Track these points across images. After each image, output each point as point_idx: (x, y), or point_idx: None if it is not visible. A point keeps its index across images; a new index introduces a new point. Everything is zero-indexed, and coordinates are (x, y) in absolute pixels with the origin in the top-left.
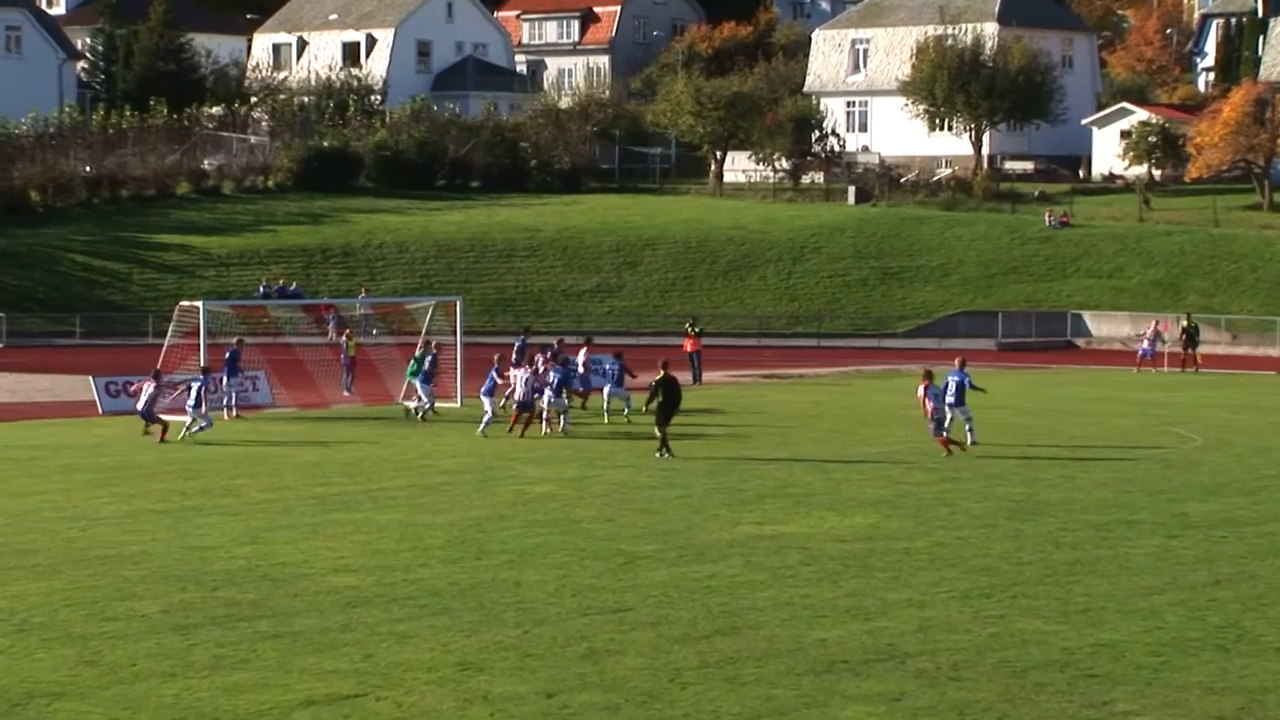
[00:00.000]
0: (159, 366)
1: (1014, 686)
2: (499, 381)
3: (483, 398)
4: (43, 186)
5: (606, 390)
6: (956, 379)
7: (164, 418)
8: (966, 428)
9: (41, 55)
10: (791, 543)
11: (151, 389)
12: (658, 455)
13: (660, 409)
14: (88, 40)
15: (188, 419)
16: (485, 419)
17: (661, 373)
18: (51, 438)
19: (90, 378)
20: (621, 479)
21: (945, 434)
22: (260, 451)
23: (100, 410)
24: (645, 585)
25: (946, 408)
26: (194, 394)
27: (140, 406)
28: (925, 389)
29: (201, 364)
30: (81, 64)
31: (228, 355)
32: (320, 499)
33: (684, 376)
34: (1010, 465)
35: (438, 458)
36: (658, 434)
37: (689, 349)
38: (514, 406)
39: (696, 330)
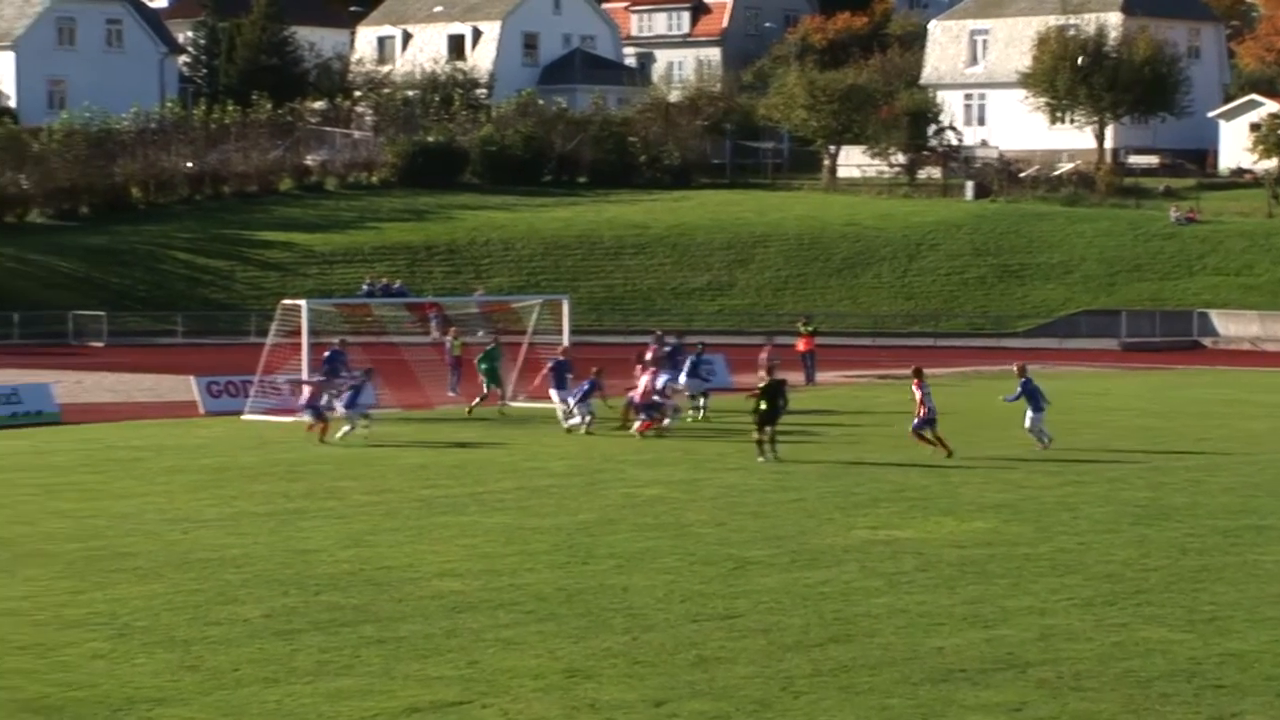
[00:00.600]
0: (315, 364)
1: (1138, 697)
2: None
3: (573, 403)
4: (144, 183)
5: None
6: (1023, 387)
7: (269, 418)
8: (1039, 435)
9: (143, 50)
10: (907, 548)
11: (316, 385)
12: (760, 459)
13: (762, 413)
14: (189, 34)
15: (345, 424)
16: (577, 420)
17: (767, 377)
18: (154, 439)
19: (192, 378)
20: (732, 482)
21: (928, 434)
22: (364, 453)
23: (202, 410)
24: (756, 591)
25: (1028, 417)
26: (348, 396)
27: (305, 401)
28: (918, 386)
29: (316, 363)
30: (183, 58)
31: (327, 355)
32: (425, 502)
33: (796, 377)
34: (1134, 469)
35: (545, 460)
36: (755, 437)
37: (802, 349)
38: (634, 409)
39: (810, 329)
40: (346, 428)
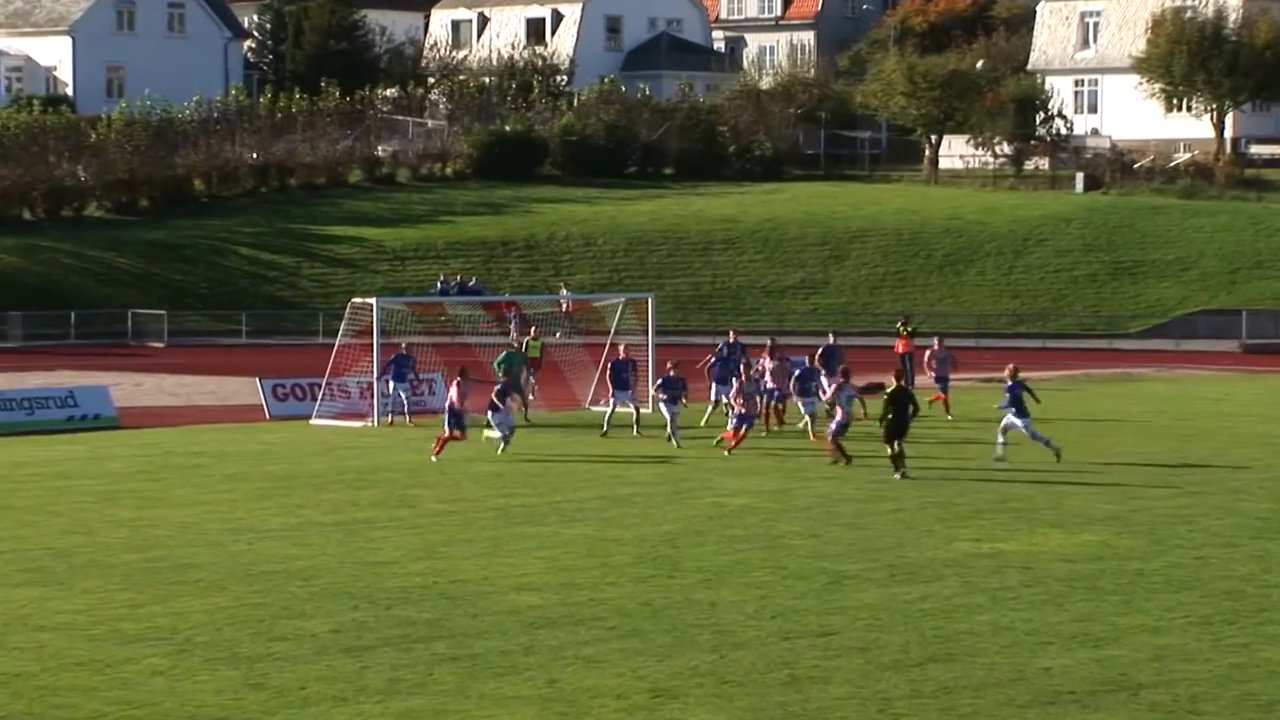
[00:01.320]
0: (463, 365)
1: None
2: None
3: (663, 408)
4: (207, 175)
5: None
6: (1010, 392)
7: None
8: (1040, 442)
9: (206, 34)
10: (1012, 562)
11: (459, 388)
12: (896, 476)
13: (890, 424)
14: (255, 18)
15: (494, 434)
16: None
17: (894, 384)
18: (216, 444)
19: (257, 379)
20: (826, 491)
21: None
22: (437, 460)
23: (268, 415)
24: (852, 607)
25: (1007, 420)
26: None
27: (455, 404)
28: (839, 388)
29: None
30: (248, 43)
31: (392, 359)
32: (501, 511)
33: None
34: (1255, 479)
35: (627, 467)
36: (889, 452)
37: (900, 350)
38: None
39: (909, 330)
40: (494, 434)
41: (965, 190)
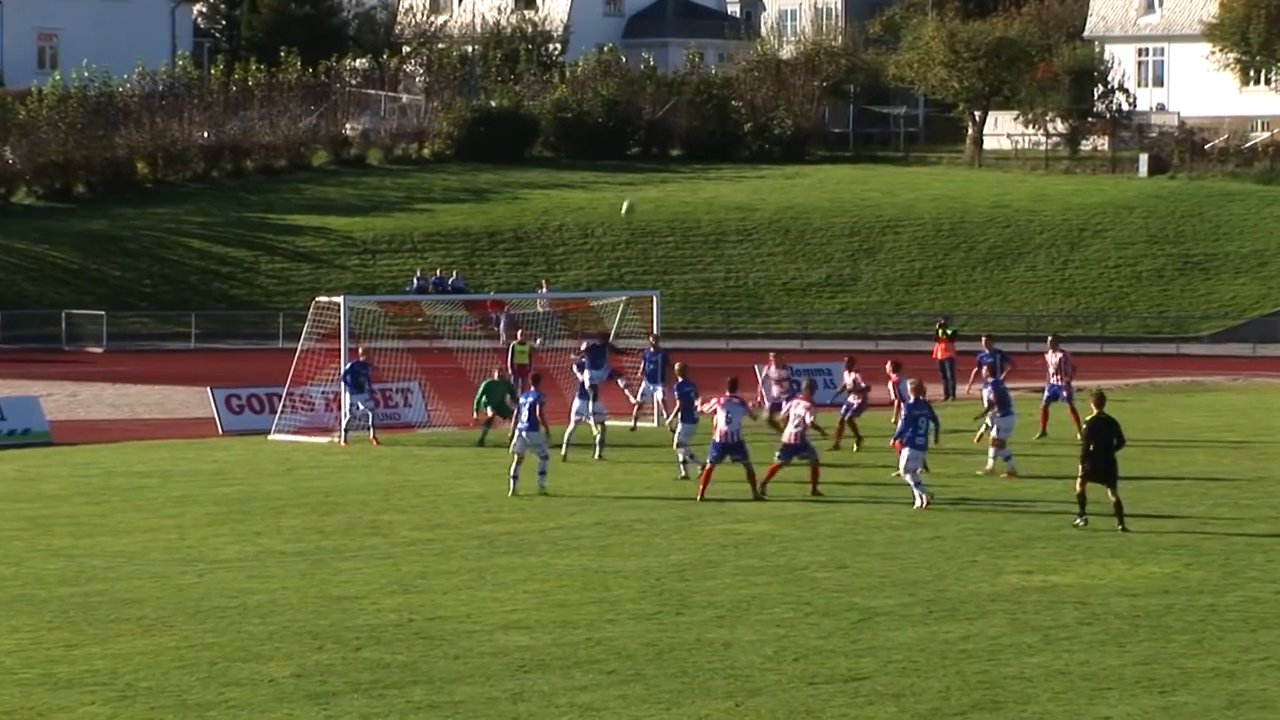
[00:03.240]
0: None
1: None
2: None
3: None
4: (151, 157)
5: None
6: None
7: (299, 438)
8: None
9: None
10: (1067, 597)
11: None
12: (1078, 522)
13: (1092, 458)
14: None
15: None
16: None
17: (1094, 411)
18: (162, 463)
19: (208, 389)
20: (856, 516)
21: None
22: (412, 481)
23: (220, 429)
24: (885, 648)
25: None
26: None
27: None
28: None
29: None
30: (198, 7)
31: (349, 368)
32: (486, 539)
33: (934, 389)
34: None
35: (629, 489)
36: (1078, 489)
37: (940, 355)
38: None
39: (949, 333)
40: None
41: (1013, 174)
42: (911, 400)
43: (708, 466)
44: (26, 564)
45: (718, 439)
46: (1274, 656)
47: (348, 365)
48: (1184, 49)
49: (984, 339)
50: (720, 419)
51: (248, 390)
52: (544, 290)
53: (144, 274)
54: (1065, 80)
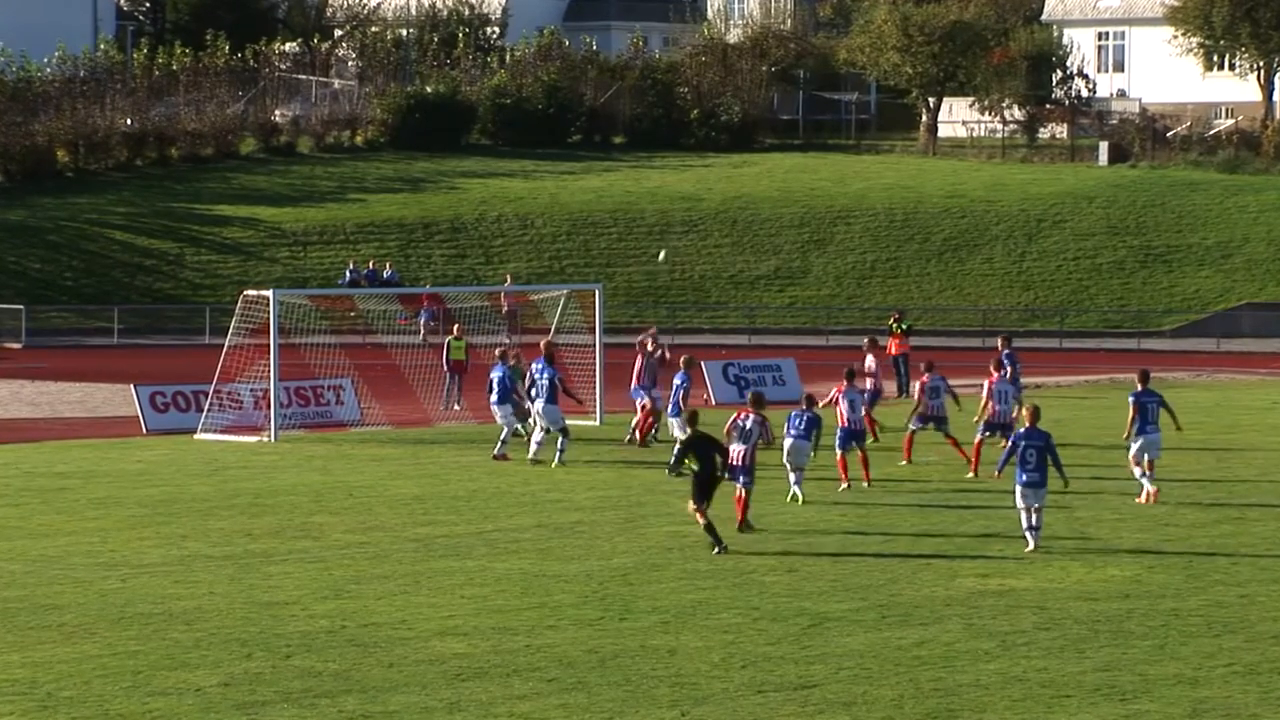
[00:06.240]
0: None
1: None
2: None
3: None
4: (72, 145)
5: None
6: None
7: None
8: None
9: None
10: (1025, 601)
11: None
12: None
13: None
14: None
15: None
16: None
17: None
18: (84, 463)
19: (132, 386)
20: (807, 518)
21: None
22: (345, 482)
23: (145, 428)
24: (836, 655)
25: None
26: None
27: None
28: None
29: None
30: None
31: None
32: (422, 542)
33: (888, 386)
34: None
35: (571, 490)
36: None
37: (894, 351)
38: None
39: (903, 328)
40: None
41: (969, 163)
42: (1024, 430)
43: (839, 456)
44: None
45: (843, 426)
46: (1238, 663)
47: (498, 371)
48: (1145, 33)
49: (1001, 338)
50: (844, 408)
51: (173, 387)
52: (508, 283)
53: (65, 267)
54: (1022, 65)
